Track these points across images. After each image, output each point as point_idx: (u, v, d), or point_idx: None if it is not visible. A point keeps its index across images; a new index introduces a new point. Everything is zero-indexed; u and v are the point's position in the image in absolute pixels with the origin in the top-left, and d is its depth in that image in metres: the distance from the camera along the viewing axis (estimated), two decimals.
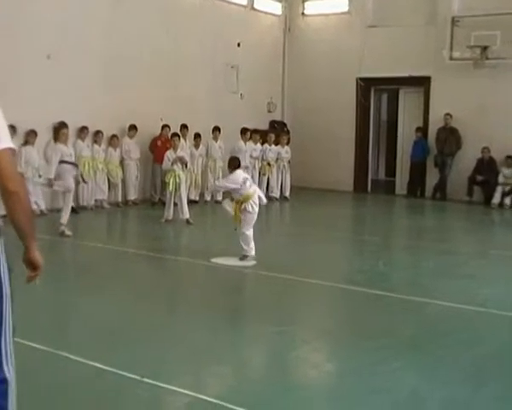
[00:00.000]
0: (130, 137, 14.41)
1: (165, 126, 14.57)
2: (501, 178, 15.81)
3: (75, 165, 10.93)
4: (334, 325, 6.60)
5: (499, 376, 5.16)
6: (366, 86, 18.26)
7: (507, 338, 6.18)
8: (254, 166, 15.93)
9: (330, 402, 4.71)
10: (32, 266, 3.29)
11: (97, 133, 13.61)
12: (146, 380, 4.78)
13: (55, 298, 7.15)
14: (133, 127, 14.34)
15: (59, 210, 11.33)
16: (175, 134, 12.93)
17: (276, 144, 16.75)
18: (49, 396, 4.63)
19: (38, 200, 12.36)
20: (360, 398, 4.71)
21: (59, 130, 11.00)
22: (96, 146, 13.62)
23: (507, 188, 15.70)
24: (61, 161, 10.57)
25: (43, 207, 12.45)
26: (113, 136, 13.97)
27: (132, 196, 14.51)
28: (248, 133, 15.78)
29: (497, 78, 16.02)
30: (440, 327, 6.47)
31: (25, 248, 3.24)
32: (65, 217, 10.58)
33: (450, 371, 5.19)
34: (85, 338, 5.83)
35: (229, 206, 9.22)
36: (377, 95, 19.33)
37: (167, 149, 12.82)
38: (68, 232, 10.50)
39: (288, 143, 17.08)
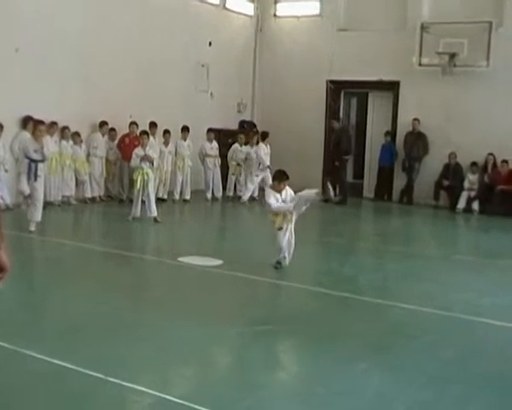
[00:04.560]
0: (102, 133, 14.32)
1: (132, 124, 14.48)
2: (466, 184, 16.04)
3: (41, 161, 10.69)
4: (300, 327, 6.61)
5: (462, 379, 5.23)
6: (336, 89, 18.38)
7: (470, 342, 6.26)
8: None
9: (295, 403, 4.72)
10: None
11: (64, 129, 13.48)
12: (110, 379, 4.74)
13: (18, 295, 7.06)
14: (104, 123, 14.25)
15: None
16: (144, 132, 12.84)
17: (245, 144, 16.78)
18: (11, 395, 4.55)
19: (4, 194, 12.20)
20: (325, 399, 4.73)
21: (35, 125, 10.80)
22: (63, 142, 13.50)
23: (472, 193, 15.93)
24: (28, 158, 10.42)
25: (8, 201, 12.29)
26: (75, 132, 13.79)
27: (97, 192, 14.39)
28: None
29: (463, 85, 16.26)
30: (406, 330, 6.53)
31: None
32: (38, 215, 10.48)
33: (415, 374, 5.24)
34: (49, 336, 5.77)
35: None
36: (347, 98, 19.44)
37: (135, 146, 12.73)
38: (32, 228, 10.40)
39: (257, 144, 17.10)
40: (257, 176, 16.19)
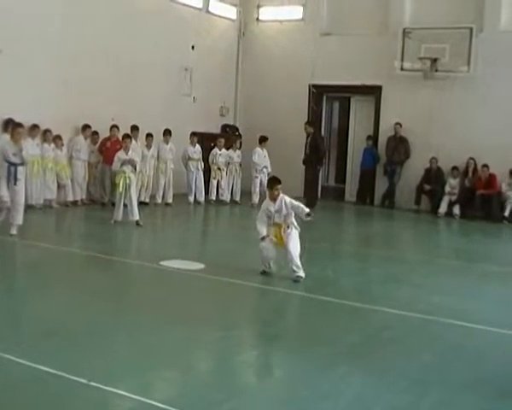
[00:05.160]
0: (85, 137, 14.25)
1: (113, 127, 14.42)
2: (447, 188, 16.15)
3: (21, 164, 10.52)
4: (282, 331, 6.63)
5: (443, 383, 5.26)
6: (318, 93, 18.45)
7: (451, 346, 6.30)
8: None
9: (277, 407, 4.73)
10: None
11: (46, 132, 13.39)
12: (92, 384, 4.72)
13: None
14: (87, 127, 14.19)
15: None
16: (127, 135, 12.77)
17: (228, 148, 16.81)
18: None
19: None
20: (306, 403, 4.74)
21: (14, 128, 10.62)
22: (45, 145, 13.41)
23: (453, 197, 16.04)
24: (7, 161, 10.27)
25: None
26: (57, 136, 13.70)
27: (79, 196, 14.31)
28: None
29: (445, 90, 16.39)
30: (387, 334, 6.56)
31: None
32: (20, 218, 10.39)
33: (396, 378, 5.26)
34: (30, 340, 5.72)
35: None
36: (329, 102, 19.52)
37: (117, 149, 12.69)
38: (14, 231, 10.32)
39: (239, 148, 17.14)
40: (256, 177, 16.35)
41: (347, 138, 18.81)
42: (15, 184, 10.27)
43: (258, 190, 16.25)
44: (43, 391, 4.71)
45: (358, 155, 17.93)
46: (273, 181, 8.72)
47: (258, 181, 16.36)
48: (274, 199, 8.51)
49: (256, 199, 16.02)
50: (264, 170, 16.45)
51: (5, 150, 10.32)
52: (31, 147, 12.89)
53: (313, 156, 16.78)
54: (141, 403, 4.53)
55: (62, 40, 13.75)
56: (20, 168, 10.37)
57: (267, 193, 8.85)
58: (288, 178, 17.57)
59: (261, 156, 16.64)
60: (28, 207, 12.53)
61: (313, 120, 17.87)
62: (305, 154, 16.94)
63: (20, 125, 10.68)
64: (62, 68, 13.76)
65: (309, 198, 16.47)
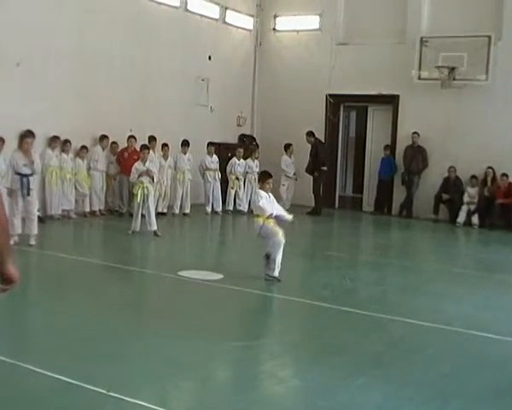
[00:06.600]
0: (103, 147, 14.34)
1: (130, 137, 14.48)
2: (466, 198, 16.03)
3: (31, 174, 10.40)
4: (301, 341, 6.61)
5: (463, 393, 5.22)
6: (335, 103, 18.42)
7: (470, 356, 6.25)
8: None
9: None
10: (6, 280, 3.05)
11: (65, 142, 13.49)
12: (112, 394, 4.73)
13: (18, 308, 7.06)
14: (105, 137, 14.27)
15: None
16: (145, 146, 12.80)
17: (246, 158, 16.85)
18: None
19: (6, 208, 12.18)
20: None
21: (21, 138, 10.47)
22: (64, 155, 13.50)
23: (472, 207, 15.92)
24: (18, 173, 10.27)
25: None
26: (83, 147, 13.83)
27: (97, 206, 14.38)
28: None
29: (463, 98, 16.31)
30: (406, 344, 6.53)
31: None
32: (35, 228, 10.45)
33: (415, 388, 5.23)
34: (50, 350, 5.75)
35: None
36: (346, 112, 19.50)
37: (134, 160, 12.73)
38: (32, 241, 10.38)
39: (258, 157, 17.18)
40: (283, 185, 16.84)
41: (365, 148, 18.75)
42: (28, 194, 10.29)
43: (285, 196, 16.60)
44: (63, 401, 4.72)
45: (376, 165, 17.87)
46: (265, 174, 9.15)
47: (285, 188, 16.81)
48: (266, 191, 8.90)
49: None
50: (293, 176, 17.23)
51: (15, 163, 10.32)
52: (50, 158, 13.02)
53: (314, 164, 16.91)
54: None
55: (79, 52, 13.86)
56: (31, 178, 10.37)
57: (259, 185, 9.23)
58: (305, 187, 17.83)
59: (289, 163, 17.18)
60: (47, 218, 12.64)
61: (330, 129, 17.90)
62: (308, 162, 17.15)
63: (27, 135, 10.39)
64: (80, 80, 13.88)
65: (316, 206, 16.86)
